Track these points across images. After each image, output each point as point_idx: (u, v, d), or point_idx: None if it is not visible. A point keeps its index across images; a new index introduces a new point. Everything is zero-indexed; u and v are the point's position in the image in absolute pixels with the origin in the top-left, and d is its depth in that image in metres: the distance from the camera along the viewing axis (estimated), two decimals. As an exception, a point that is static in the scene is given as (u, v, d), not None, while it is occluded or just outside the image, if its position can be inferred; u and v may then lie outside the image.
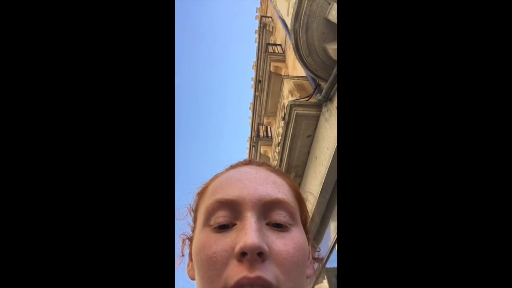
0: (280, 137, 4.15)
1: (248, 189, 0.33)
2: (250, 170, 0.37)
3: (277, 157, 4.27)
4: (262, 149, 6.76)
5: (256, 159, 6.77)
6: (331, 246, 3.26)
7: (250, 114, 9.30)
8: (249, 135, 9.72)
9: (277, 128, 5.29)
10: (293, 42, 3.19)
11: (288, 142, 3.73)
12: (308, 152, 3.81)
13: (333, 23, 2.77)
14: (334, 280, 3.90)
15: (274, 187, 0.34)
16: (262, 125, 7.03)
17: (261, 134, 6.82)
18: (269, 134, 6.88)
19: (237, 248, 0.28)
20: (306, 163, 3.87)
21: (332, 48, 2.90)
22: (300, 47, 3.13)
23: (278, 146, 4.25)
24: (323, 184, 3.24)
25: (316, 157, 3.56)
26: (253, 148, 7.78)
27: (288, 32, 4.68)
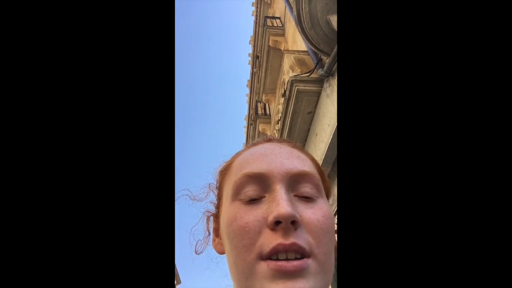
0: (279, 114, 4.09)
1: (275, 163, 0.34)
2: (274, 146, 0.38)
3: (276, 135, 4.25)
4: (261, 127, 6.71)
5: (254, 137, 6.79)
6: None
7: (248, 91, 9.15)
8: (246, 113, 9.63)
9: (276, 105, 5.22)
10: (295, 14, 3.05)
11: (288, 119, 3.68)
12: (308, 129, 3.78)
13: (337, -8, 2.64)
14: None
15: (299, 160, 0.36)
16: (261, 102, 6.94)
17: (259, 111, 6.75)
18: (268, 112, 6.82)
19: (271, 218, 0.29)
20: (306, 140, 3.86)
21: (336, 20, 2.79)
22: (302, 19, 3.00)
23: (278, 123, 4.21)
24: (323, 161, 3.24)
25: (317, 134, 3.54)
26: (251, 126, 7.74)
27: (288, 4, 4.48)
